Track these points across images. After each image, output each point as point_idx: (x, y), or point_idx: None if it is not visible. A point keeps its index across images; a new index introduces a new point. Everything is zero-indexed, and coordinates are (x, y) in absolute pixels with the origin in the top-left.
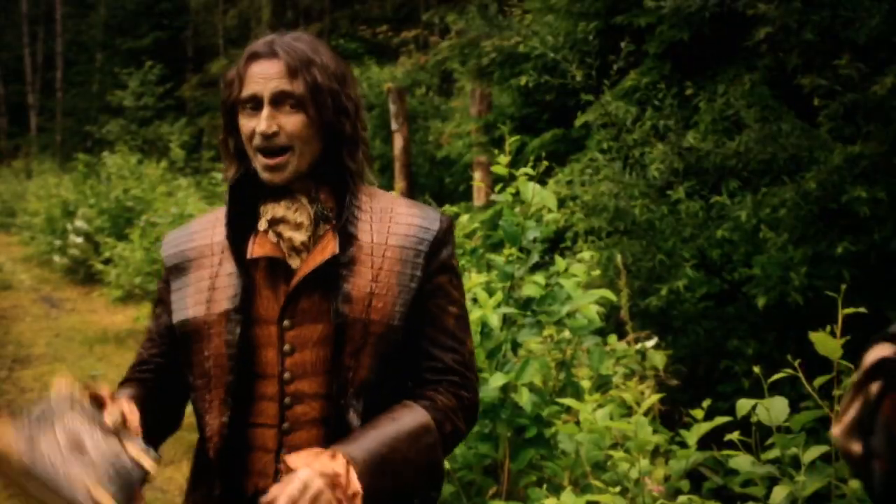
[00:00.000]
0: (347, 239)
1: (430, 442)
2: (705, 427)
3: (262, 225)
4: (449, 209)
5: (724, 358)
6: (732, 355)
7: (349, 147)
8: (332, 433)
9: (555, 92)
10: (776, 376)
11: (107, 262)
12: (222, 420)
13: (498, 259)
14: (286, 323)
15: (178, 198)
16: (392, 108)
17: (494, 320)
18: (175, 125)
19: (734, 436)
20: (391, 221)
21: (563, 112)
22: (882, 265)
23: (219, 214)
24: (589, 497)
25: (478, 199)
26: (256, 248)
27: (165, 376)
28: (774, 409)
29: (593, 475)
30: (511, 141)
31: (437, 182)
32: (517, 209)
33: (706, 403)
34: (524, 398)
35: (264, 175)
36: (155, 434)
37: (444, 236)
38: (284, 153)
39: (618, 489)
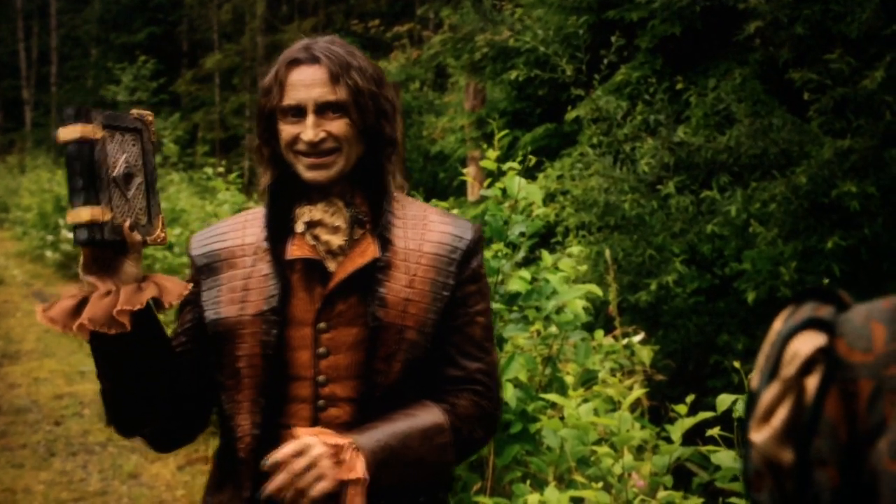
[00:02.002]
0: (385, 244)
1: (442, 442)
2: (689, 422)
3: (300, 227)
4: (441, 204)
5: (715, 353)
6: (722, 350)
7: (388, 150)
8: None
9: (547, 87)
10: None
11: None
12: (254, 420)
13: (485, 254)
14: (321, 325)
15: (169, 193)
16: None
17: None
18: (169, 120)
19: (715, 431)
20: (425, 228)
21: (556, 107)
22: (872, 260)
23: (248, 216)
24: (572, 493)
25: (471, 195)
26: (295, 250)
27: (191, 372)
28: None
29: (578, 471)
30: (500, 135)
31: (431, 177)
32: (506, 204)
33: (690, 398)
34: (509, 394)
35: (308, 174)
36: (178, 414)
37: (475, 246)
38: (331, 154)
39: (600, 485)
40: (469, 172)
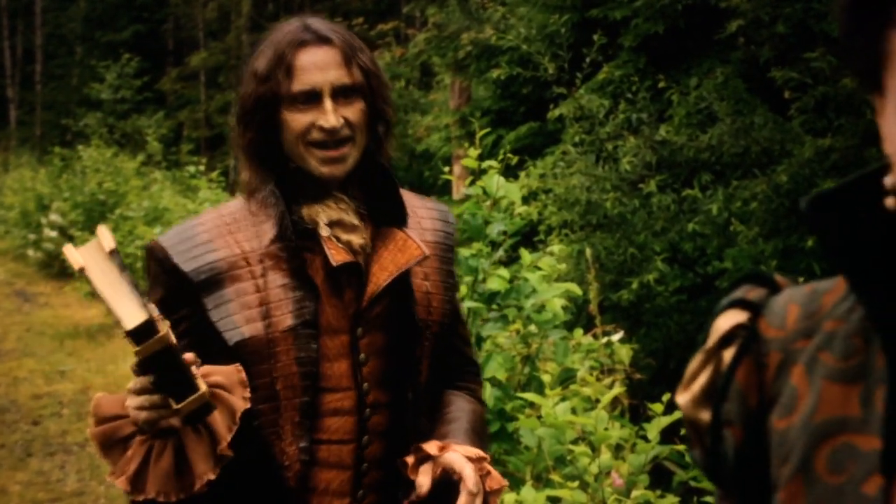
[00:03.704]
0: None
1: (486, 427)
2: (665, 421)
3: (325, 230)
4: None
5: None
6: None
7: (389, 137)
8: (404, 441)
9: (531, 85)
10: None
11: None
12: (300, 445)
13: (464, 252)
14: (359, 331)
15: (152, 192)
16: None
17: None
18: (153, 118)
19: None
20: (416, 216)
21: (540, 105)
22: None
23: (225, 219)
24: (549, 492)
25: (456, 193)
26: (335, 254)
27: None
28: None
29: (555, 470)
30: (481, 134)
31: (416, 175)
32: (487, 203)
33: (666, 397)
34: (487, 393)
35: (324, 169)
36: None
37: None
38: (345, 144)
39: (576, 484)
40: (454, 171)
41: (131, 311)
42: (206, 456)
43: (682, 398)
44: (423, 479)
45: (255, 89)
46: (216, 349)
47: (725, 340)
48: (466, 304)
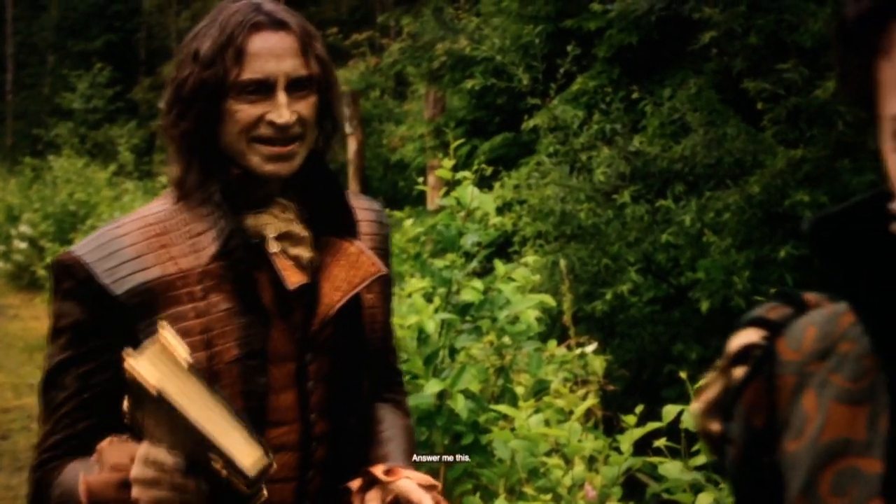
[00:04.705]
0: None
1: (415, 444)
2: (638, 433)
3: (275, 246)
4: (396, 214)
5: (669, 363)
6: (677, 360)
7: (336, 137)
8: (347, 474)
9: (505, 96)
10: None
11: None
12: None
13: (438, 263)
14: (308, 357)
15: (123, 202)
16: (346, 111)
17: (431, 326)
18: (125, 128)
19: (661, 442)
20: (356, 219)
21: (514, 115)
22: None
23: (154, 229)
24: None
25: (431, 204)
26: (289, 275)
27: None
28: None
29: (528, 483)
30: (455, 144)
31: (391, 186)
32: (461, 214)
33: (639, 409)
34: (460, 405)
35: (269, 167)
36: None
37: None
38: (294, 142)
39: (550, 496)
40: (428, 181)
41: (244, 447)
42: None
43: (696, 405)
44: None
45: (196, 73)
46: None
47: (737, 358)
48: (440, 316)
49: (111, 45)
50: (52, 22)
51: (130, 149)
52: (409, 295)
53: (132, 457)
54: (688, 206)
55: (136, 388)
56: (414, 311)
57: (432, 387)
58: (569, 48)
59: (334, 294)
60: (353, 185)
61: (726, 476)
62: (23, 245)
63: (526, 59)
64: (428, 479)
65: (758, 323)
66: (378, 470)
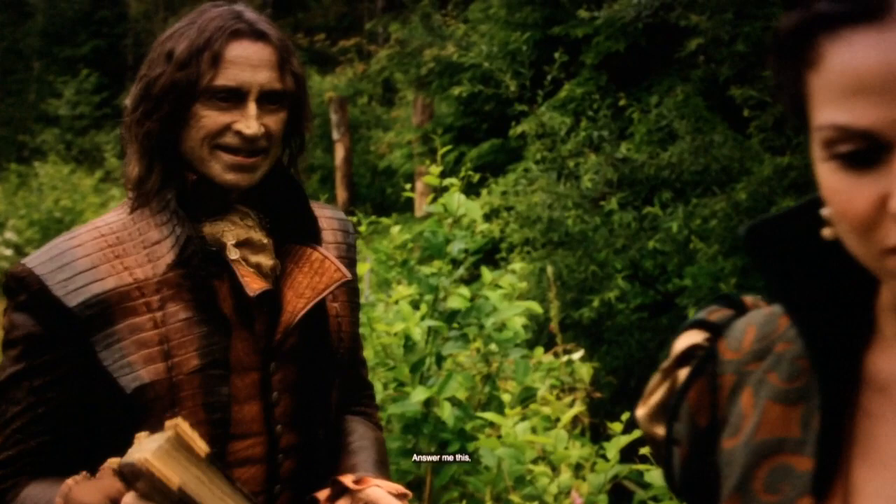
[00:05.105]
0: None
1: (388, 458)
2: (624, 440)
3: (234, 253)
4: (384, 221)
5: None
6: None
7: (302, 151)
8: (315, 486)
9: (493, 102)
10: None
11: None
12: None
13: (424, 270)
14: (272, 366)
15: (109, 209)
16: (333, 117)
17: (417, 333)
18: (111, 134)
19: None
20: (321, 228)
21: (502, 122)
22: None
23: (108, 239)
24: None
25: (419, 211)
26: (250, 282)
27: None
28: None
29: (515, 490)
30: (443, 151)
31: (378, 192)
32: (448, 221)
33: (625, 416)
34: (446, 413)
35: (227, 176)
36: None
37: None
38: (258, 155)
39: (535, 503)
40: (416, 188)
41: None
42: None
43: (640, 412)
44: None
45: (168, 74)
46: (108, 397)
47: (681, 360)
48: (427, 323)
49: (98, 51)
50: (38, 28)
51: (117, 155)
52: (396, 302)
53: (108, 498)
54: (675, 213)
55: (151, 481)
56: (401, 319)
57: (419, 394)
58: (556, 55)
59: (298, 301)
60: (340, 192)
61: (669, 482)
62: (8, 252)
63: (513, 66)
64: (398, 488)
65: (700, 325)
66: (347, 479)
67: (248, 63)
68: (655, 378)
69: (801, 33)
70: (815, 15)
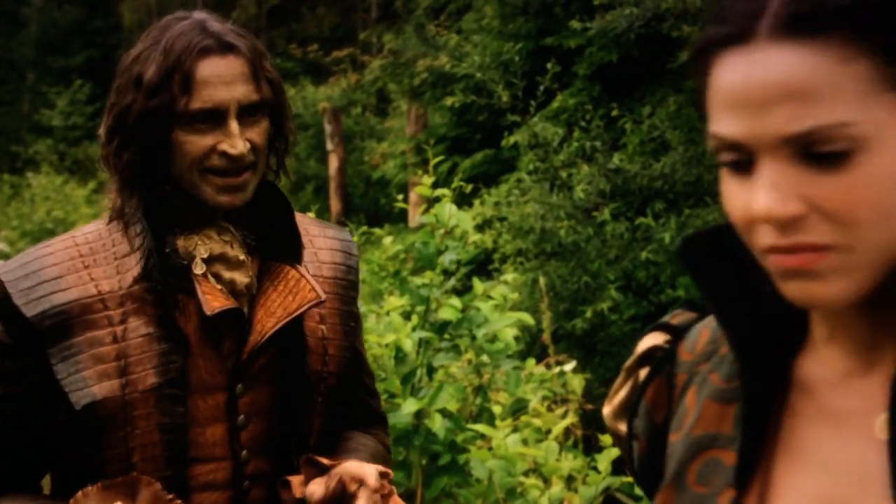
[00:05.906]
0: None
1: (390, 465)
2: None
3: (200, 267)
4: (377, 231)
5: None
6: None
7: (287, 155)
8: None
9: (486, 113)
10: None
11: None
12: None
13: (415, 281)
14: (239, 388)
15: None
16: (327, 128)
17: (408, 345)
18: None
19: None
20: (312, 245)
21: (495, 133)
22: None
23: (80, 249)
24: None
25: (412, 221)
26: (210, 300)
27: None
28: None
29: (507, 502)
30: (434, 161)
31: (372, 203)
32: (440, 231)
33: None
34: (437, 425)
35: (220, 199)
36: None
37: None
38: (247, 170)
39: None
40: (409, 198)
41: None
42: None
43: (606, 410)
44: (316, 488)
45: (140, 101)
46: (61, 413)
47: (642, 360)
48: (418, 334)
49: (91, 61)
50: (31, 38)
51: None
52: (388, 313)
53: None
54: (668, 224)
55: None
56: (392, 330)
57: (410, 406)
58: (549, 66)
59: (268, 321)
60: (334, 202)
61: (633, 475)
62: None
63: (506, 77)
64: (377, 466)
65: (662, 328)
66: (324, 460)
67: (222, 80)
68: (620, 377)
69: (700, 52)
70: (706, 37)
